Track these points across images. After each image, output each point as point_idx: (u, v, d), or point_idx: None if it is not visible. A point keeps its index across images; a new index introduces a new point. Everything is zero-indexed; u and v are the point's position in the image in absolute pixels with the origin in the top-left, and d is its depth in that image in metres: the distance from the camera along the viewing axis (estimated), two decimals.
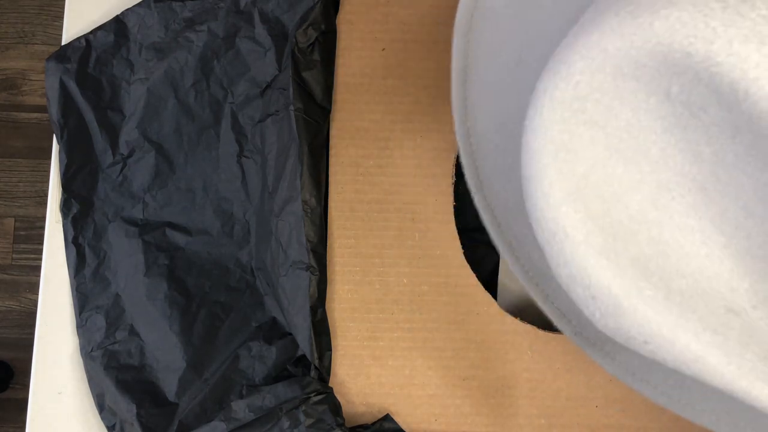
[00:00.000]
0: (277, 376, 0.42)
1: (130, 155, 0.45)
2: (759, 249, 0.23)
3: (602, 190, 0.25)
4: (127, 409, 0.42)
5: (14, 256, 1.17)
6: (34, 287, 1.16)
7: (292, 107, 0.41)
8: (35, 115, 1.19)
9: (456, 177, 0.43)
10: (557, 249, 0.25)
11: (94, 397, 0.44)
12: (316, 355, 0.40)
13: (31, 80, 1.20)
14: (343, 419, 0.40)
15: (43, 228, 0.46)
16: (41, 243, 0.46)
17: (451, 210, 0.43)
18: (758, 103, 0.20)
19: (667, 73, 0.22)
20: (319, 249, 0.41)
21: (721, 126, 0.22)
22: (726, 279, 0.24)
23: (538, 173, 0.25)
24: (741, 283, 0.24)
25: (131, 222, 0.45)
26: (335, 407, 0.40)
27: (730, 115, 0.22)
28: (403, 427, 0.41)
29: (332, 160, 0.43)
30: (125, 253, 0.44)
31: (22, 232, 1.17)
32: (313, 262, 0.40)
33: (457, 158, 0.43)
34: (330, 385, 0.41)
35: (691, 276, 0.24)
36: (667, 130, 0.24)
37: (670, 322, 0.23)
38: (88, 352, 0.44)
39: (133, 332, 0.44)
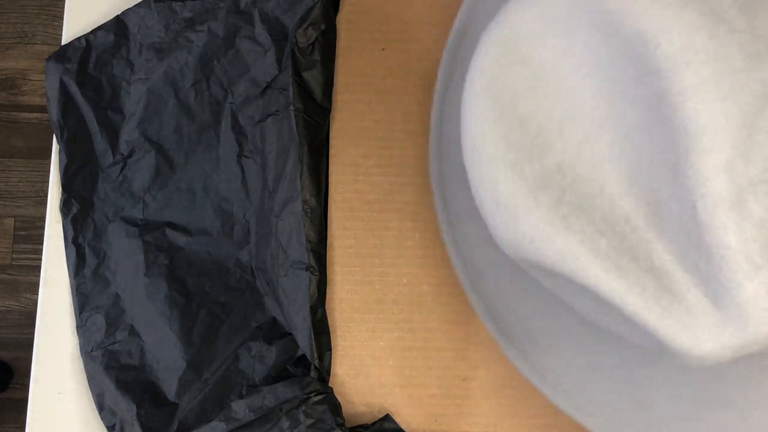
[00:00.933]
0: (277, 376, 0.42)
1: (130, 155, 0.45)
2: (640, 175, 0.27)
3: (523, 117, 0.29)
4: (127, 409, 0.42)
5: (14, 256, 1.17)
6: (34, 287, 1.16)
7: (292, 107, 0.41)
8: (35, 115, 1.19)
9: None
10: (476, 162, 0.29)
11: (94, 397, 0.44)
12: (316, 355, 0.40)
13: (31, 80, 1.20)
14: (343, 419, 0.40)
15: (43, 228, 0.46)
16: (41, 243, 0.46)
17: None
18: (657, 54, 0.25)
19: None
20: (319, 249, 0.41)
21: (626, 70, 0.26)
22: (609, 198, 0.28)
23: (471, 98, 0.29)
24: (622, 201, 0.28)
25: (131, 222, 0.45)
26: (335, 407, 0.40)
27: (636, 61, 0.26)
28: (403, 427, 0.41)
29: (332, 160, 0.43)
30: (125, 253, 0.44)
31: (22, 232, 1.17)
32: (313, 262, 0.40)
33: None
34: (330, 385, 0.41)
35: (581, 191, 0.28)
36: (579, 69, 0.28)
37: (554, 224, 0.28)
38: (88, 352, 0.44)
39: (133, 332, 0.44)
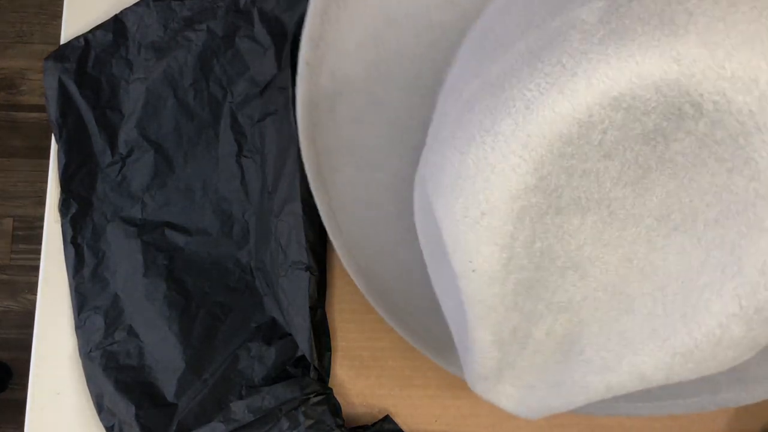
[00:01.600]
0: (277, 376, 0.42)
1: (129, 155, 0.45)
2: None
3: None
4: (126, 409, 0.42)
5: (13, 256, 1.17)
6: (33, 287, 1.16)
7: (291, 106, 0.41)
8: (34, 114, 1.19)
9: None
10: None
11: (92, 398, 0.44)
12: (315, 356, 0.40)
13: (29, 80, 1.20)
14: (343, 420, 0.40)
15: (41, 228, 0.46)
16: (40, 243, 0.46)
17: None
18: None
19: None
20: (318, 249, 0.41)
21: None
22: None
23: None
24: None
25: (130, 222, 0.45)
26: (335, 408, 0.40)
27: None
28: (403, 427, 0.41)
29: None
30: (124, 253, 0.44)
31: (20, 232, 1.17)
32: (312, 262, 0.40)
33: None
34: (330, 385, 0.41)
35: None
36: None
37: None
38: (86, 352, 0.44)
39: (132, 332, 0.44)
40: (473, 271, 0.22)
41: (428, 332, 0.37)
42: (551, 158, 0.21)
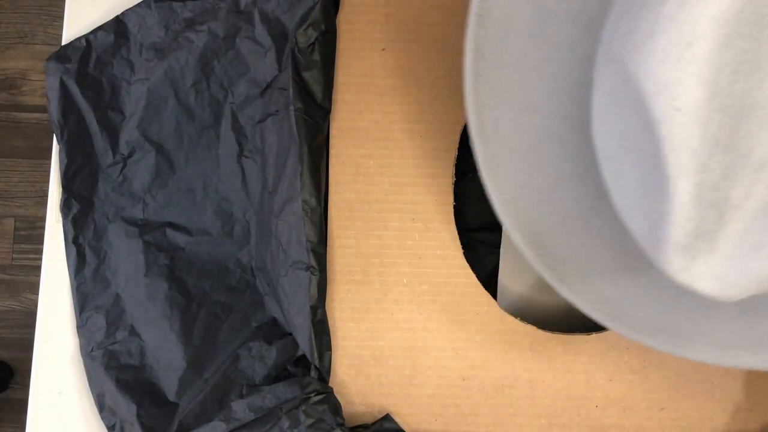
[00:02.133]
0: (277, 376, 0.42)
1: (130, 155, 0.45)
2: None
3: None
4: (127, 409, 0.42)
5: (14, 256, 1.17)
6: (35, 287, 1.16)
7: (292, 107, 0.41)
8: (35, 115, 1.19)
9: (456, 177, 0.43)
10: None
11: (94, 397, 0.44)
12: (316, 355, 0.40)
13: (31, 80, 1.20)
14: (343, 419, 0.40)
15: (43, 228, 0.46)
16: (41, 243, 0.46)
17: (451, 210, 0.43)
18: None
19: None
20: (319, 249, 0.41)
21: None
22: None
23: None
24: None
25: (131, 222, 0.45)
26: (335, 407, 0.40)
27: None
28: (403, 427, 0.41)
29: (332, 160, 0.43)
30: (125, 253, 0.44)
31: (22, 232, 1.17)
32: (313, 262, 0.40)
33: (457, 158, 0.43)
34: (330, 385, 0.41)
35: None
36: None
37: None
38: (88, 352, 0.44)
39: (133, 332, 0.44)
40: (677, 110, 0.22)
41: (590, 286, 0.36)
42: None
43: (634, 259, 0.33)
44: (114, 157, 0.45)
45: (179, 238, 0.45)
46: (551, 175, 0.34)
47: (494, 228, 0.48)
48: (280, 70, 0.43)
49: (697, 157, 0.23)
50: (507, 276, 0.48)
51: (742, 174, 0.23)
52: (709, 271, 0.25)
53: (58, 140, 0.46)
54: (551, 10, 0.32)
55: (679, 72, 0.22)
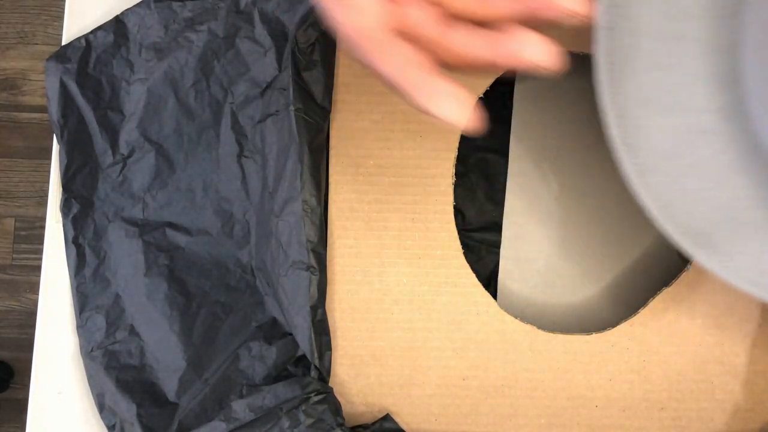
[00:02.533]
0: (277, 376, 0.42)
1: (130, 155, 0.45)
2: None
3: None
4: (127, 408, 0.42)
5: (14, 256, 1.17)
6: (34, 287, 1.16)
7: (292, 107, 0.41)
8: (35, 115, 1.19)
9: (456, 177, 0.43)
10: None
11: (94, 397, 0.44)
12: (316, 355, 0.40)
13: (31, 80, 1.20)
14: (343, 419, 0.40)
15: (43, 228, 0.46)
16: (41, 243, 0.46)
17: (451, 210, 0.43)
18: None
19: None
20: (319, 249, 0.41)
21: None
22: None
23: None
24: None
25: (131, 222, 0.45)
26: (335, 407, 0.40)
27: None
28: (403, 427, 0.41)
29: (332, 160, 0.43)
30: (125, 253, 0.44)
31: (22, 232, 1.17)
32: (313, 262, 0.40)
33: (457, 158, 0.43)
34: (330, 385, 0.41)
35: None
36: None
37: None
38: (88, 351, 0.44)
39: (133, 332, 0.44)
40: None
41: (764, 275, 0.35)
42: None
43: None
44: (114, 157, 0.45)
45: (179, 238, 0.45)
46: (710, 171, 0.34)
47: (494, 228, 0.48)
48: (280, 70, 0.44)
49: None
50: (507, 276, 0.48)
51: None
52: None
53: (58, 140, 0.46)
54: (683, 9, 0.31)
55: None
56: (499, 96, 0.45)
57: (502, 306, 0.43)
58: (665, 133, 0.34)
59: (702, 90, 0.33)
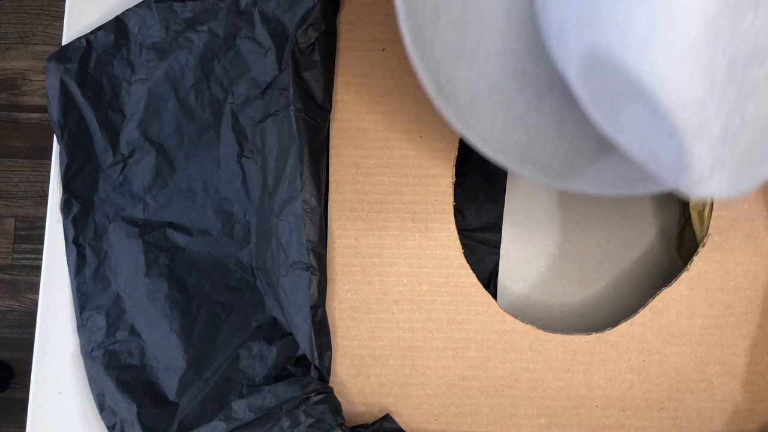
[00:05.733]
0: (277, 376, 0.42)
1: (130, 155, 0.45)
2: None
3: None
4: (127, 408, 0.42)
5: (15, 256, 1.17)
6: (35, 287, 1.16)
7: (292, 107, 0.41)
8: (36, 115, 1.19)
9: (456, 177, 0.43)
10: None
11: (94, 397, 0.44)
12: (316, 355, 0.40)
13: (31, 80, 1.20)
14: (343, 419, 0.40)
15: (43, 228, 0.46)
16: (42, 243, 0.46)
17: (451, 210, 0.43)
18: None
19: None
20: (319, 249, 0.41)
21: None
22: None
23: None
24: None
25: (132, 222, 0.45)
26: (335, 407, 0.40)
27: None
28: (403, 426, 0.41)
29: (332, 160, 0.43)
30: (126, 253, 0.44)
31: (22, 232, 1.17)
32: (313, 262, 0.40)
33: (457, 158, 0.43)
34: (330, 384, 0.41)
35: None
36: None
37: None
38: (88, 351, 0.44)
39: (133, 332, 0.44)
40: (685, 101, 0.24)
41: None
42: None
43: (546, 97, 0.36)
44: (114, 157, 0.45)
45: (179, 238, 0.45)
46: (516, 106, 0.36)
47: (494, 228, 0.48)
48: (280, 70, 0.44)
49: (707, 122, 0.25)
50: (507, 276, 0.48)
51: (739, 107, 0.26)
52: (721, 185, 0.27)
53: (58, 140, 0.46)
54: None
55: (680, 65, 0.24)
56: None
57: (502, 306, 0.43)
58: (477, 79, 0.36)
59: (502, 38, 0.35)
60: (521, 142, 0.37)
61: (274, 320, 0.43)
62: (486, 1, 0.35)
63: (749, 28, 0.24)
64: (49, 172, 0.47)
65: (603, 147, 0.37)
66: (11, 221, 1.17)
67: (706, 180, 0.27)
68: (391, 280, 0.42)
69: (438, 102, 0.36)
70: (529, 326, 0.42)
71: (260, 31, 0.44)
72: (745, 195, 0.30)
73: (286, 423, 0.39)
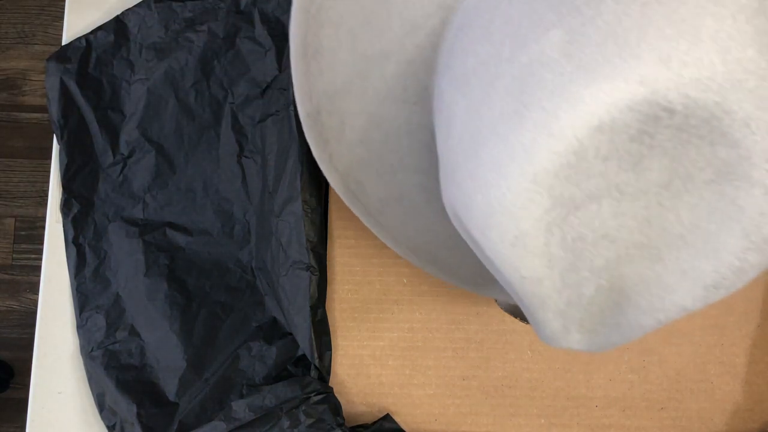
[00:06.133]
0: (277, 376, 0.42)
1: (130, 155, 0.45)
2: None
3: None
4: (127, 408, 0.42)
5: (14, 256, 1.17)
6: (35, 287, 1.16)
7: (292, 107, 0.41)
8: (35, 115, 1.19)
9: None
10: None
11: (94, 397, 0.44)
12: (316, 355, 0.40)
13: (31, 80, 1.20)
14: (343, 419, 0.40)
15: (43, 228, 0.46)
16: (41, 243, 0.46)
17: None
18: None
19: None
20: (319, 249, 0.41)
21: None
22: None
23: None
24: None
25: (131, 222, 0.45)
26: (335, 407, 0.40)
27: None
28: (403, 426, 0.41)
29: None
30: (125, 253, 0.44)
31: (22, 232, 1.17)
32: (313, 262, 0.40)
33: None
34: (330, 384, 0.41)
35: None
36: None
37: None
38: (88, 351, 0.44)
39: (133, 332, 0.44)
40: (523, 277, 0.26)
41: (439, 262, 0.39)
42: (559, 182, 0.24)
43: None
44: (114, 157, 0.45)
45: (179, 238, 0.45)
46: (426, 214, 0.37)
47: None
48: (280, 70, 0.44)
49: (548, 298, 0.27)
50: None
51: (589, 280, 0.27)
52: (579, 340, 0.29)
53: (58, 140, 0.46)
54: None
55: (515, 252, 0.26)
56: None
57: (502, 306, 0.43)
58: (385, 187, 0.36)
59: (407, 156, 0.36)
60: (431, 244, 0.38)
61: (274, 320, 0.43)
62: (389, 123, 0.35)
63: (594, 215, 0.25)
64: (49, 172, 0.47)
65: None
66: (11, 221, 1.17)
67: (559, 338, 0.28)
68: (391, 280, 0.42)
69: (347, 202, 0.37)
70: (529, 326, 0.42)
71: (260, 31, 0.44)
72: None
73: (286, 423, 0.39)
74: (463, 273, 0.38)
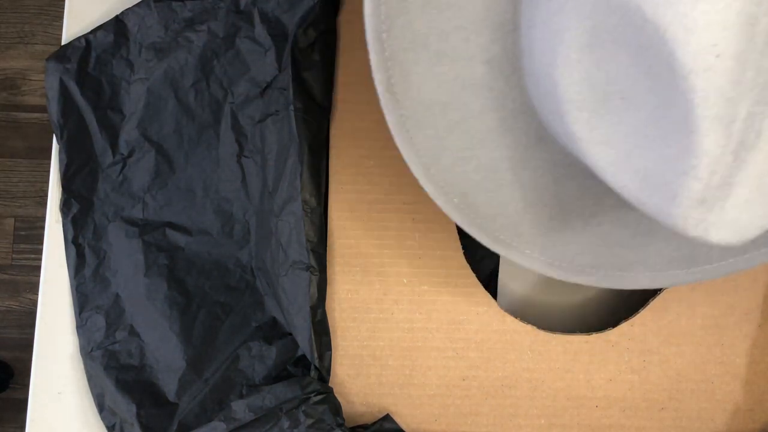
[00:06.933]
0: (277, 376, 0.42)
1: (130, 155, 0.45)
2: None
3: None
4: (127, 409, 0.42)
5: (14, 256, 1.17)
6: (34, 287, 1.16)
7: (292, 107, 0.41)
8: (35, 115, 1.19)
9: None
10: None
11: (94, 397, 0.44)
12: (316, 355, 0.40)
13: (31, 80, 1.20)
14: (343, 419, 0.40)
15: (43, 228, 0.46)
16: (41, 243, 0.46)
17: None
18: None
19: None
20: (319, 249, 0.41)
21: None
22: None
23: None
24: None
25: (131, 222, 0.45)
26: (335, 407, 0.40)
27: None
28: (403, 427, 0.41)
29: (332, 161, 0.43)
30: (125, 253, 0.44)
31: (22, 232, 1.17)
32: (313, 262, 0.40)
33: None
34: (330, 385, 0.41)
35: None
36: None
37: None
38: (88, 352, 0.44)
39: (133, 332, 0.44)
40: (717, 56, 0.20)
41: (520, 237, 0.34)
42: None
43: (568, 203, 0.32)
44: (114, 157, 0.45)
45: (179, 238, 0.44)
46: (475, 129, 0.31)
47: None
48: (280, 70, 0.43)
49: (731, 106, 0.21)
50: (507, 276, 0.48)
51: (758, 111, 0.22)
52: (723, 221, 0.23)
53: (58, 140, 0.46)
54: None
55: (719, 14, 0.20)
56: None
57: (502, 306, 0.43)
58: (434, 83, 0.30)
59: (475, 37, 0.30)
60: (468, 180, 0.33)
61: (274, 320, 0.43)
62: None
63: None
64: (48, 172, 0.47)
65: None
66: (11, 221, 1.17)
67: (709, 203, 0.23)
68: (391, 280, 0.42)
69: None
70: (529, 326, 0.42)
71: (260, 31, 0.44)
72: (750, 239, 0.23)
73: (286, 423, 0.39)
74: (497, 224, 0.34)
